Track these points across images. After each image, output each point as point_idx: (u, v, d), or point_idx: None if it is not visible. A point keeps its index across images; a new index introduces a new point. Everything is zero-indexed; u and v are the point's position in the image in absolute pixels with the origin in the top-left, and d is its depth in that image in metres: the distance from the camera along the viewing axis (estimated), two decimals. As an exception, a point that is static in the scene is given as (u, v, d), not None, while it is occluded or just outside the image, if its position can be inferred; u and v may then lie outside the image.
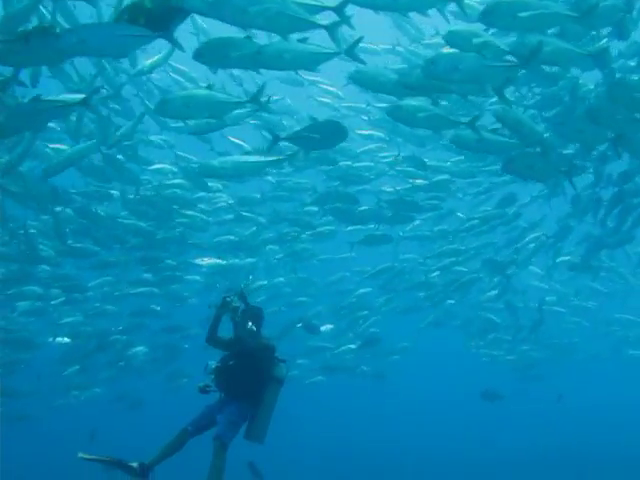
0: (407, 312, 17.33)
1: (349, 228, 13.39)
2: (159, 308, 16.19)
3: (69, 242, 12.53)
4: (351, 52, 6.83)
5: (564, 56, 7.00)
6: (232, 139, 12.21)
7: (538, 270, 17.55)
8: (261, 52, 6.41)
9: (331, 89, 12.75)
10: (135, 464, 6.05)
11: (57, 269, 13.52)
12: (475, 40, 6.52)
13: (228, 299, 6.51)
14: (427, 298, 15.92)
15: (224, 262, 14.49)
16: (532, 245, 13.48)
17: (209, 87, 7.32)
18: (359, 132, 12.06)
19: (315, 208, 12.51)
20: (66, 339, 17.24)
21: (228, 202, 13.01)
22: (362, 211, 11.47)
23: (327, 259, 15.95)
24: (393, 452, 24.96)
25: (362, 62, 7.09)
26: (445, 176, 11.20)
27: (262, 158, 8.91)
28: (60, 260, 13.11)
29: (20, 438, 18.79)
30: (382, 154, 11.75)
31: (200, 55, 6.46)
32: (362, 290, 17.14)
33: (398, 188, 11.68)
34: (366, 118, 12.06)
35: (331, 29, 6.39)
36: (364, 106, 11.63)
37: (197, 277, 15.92)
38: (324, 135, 7.87)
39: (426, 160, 11.22)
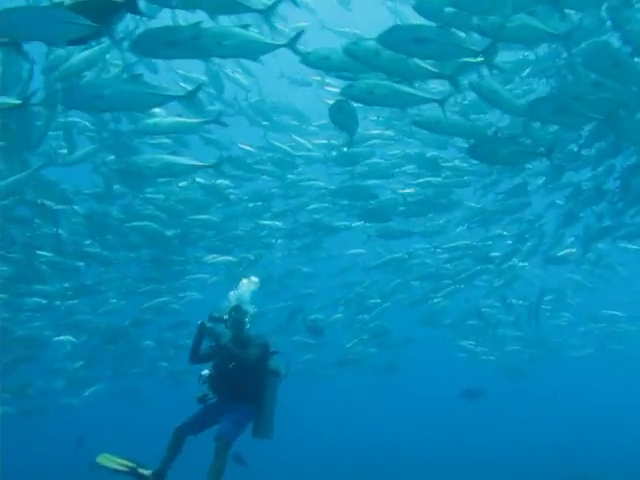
0: (414, 304, 17.46)
1: (356, 224, 13.62)
2: (176, 305, 16.44)
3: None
4: (292, 45, 6.65)
5: (531, 34, 6.79)
6: (242, 146, 12.49)
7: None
8: (198, 37, 6.11)
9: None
10: (148, 472, 6.06)
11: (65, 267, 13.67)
12: (447, 10, 6.26)
13: (205, 326, 6.46)
14: (435, 289, 16.13)
15: (233, 259, 14.75)
16: (535, 235, 13.44)
17: (135, 77, 6.84)
18: (368, 132, 11.98)
19: (326, 204, 12.91)
20: (69, 337, 17.36)
21: (239, 197, 13.09)
22: (383, 208, 11.58)
23: (336, 254, 16.34)
24: (387, 450, 25.19)
25: (303, 56, 6.81)
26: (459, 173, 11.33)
27: (190, 161, 8.72)
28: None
29: (22, 434, 18.83)
30: (391, 152, 11.93)
31: (136, 46, 6.17)
32: (369, 282, 17.26)
33: (413, 186, 11.77)
34: (375, 118, 12.03)
35: (266, 13, 6.25)
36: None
37: (206, 275, 16.21)
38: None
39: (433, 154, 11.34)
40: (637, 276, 20.35)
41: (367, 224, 13.13)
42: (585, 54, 7.14)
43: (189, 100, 7.33)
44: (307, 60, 6.86)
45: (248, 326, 6.65)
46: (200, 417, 6.40)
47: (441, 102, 7.11)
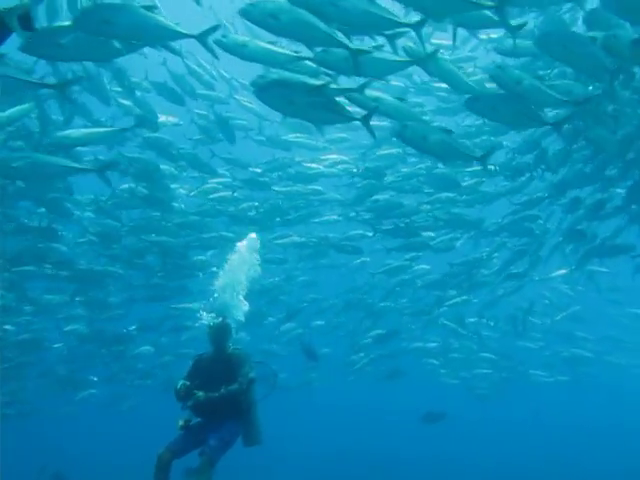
0: (417, 314, 17.56)
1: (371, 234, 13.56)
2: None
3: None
4: (203, 39, 6.13)
5: (476, 21, 6.50)
6: (252, 169, 12.81)
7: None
8: (83, 17, 5.51)
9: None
10: None
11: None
12: None
13: (189, 398, 6.25)
14: (439, 300, 16.26)
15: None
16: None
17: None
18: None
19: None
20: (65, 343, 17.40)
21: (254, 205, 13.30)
22: (412, 225, 11.88)
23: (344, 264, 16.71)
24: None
25: (213, 53, 6.37)
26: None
27: (65, 162, 7.84)
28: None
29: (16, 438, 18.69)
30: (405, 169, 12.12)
31: (26, 48, 5.84)
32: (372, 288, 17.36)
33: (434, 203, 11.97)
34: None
35: None
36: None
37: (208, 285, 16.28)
38: None
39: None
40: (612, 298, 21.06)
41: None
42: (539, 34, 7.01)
43: (60, 91, 6.75)
44: (223, 45, 6.47)
45: (233, 332, 6.67)
46: (184, 440, 6.30)
47: (359, 92, 6.76)
